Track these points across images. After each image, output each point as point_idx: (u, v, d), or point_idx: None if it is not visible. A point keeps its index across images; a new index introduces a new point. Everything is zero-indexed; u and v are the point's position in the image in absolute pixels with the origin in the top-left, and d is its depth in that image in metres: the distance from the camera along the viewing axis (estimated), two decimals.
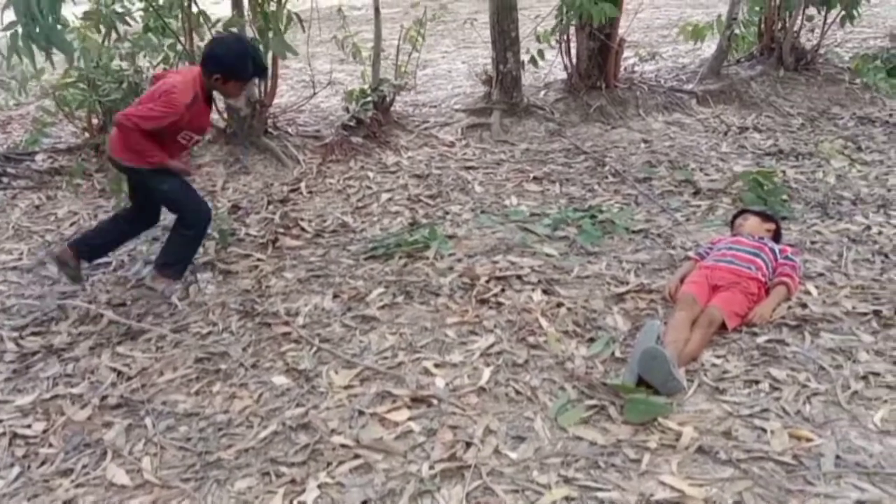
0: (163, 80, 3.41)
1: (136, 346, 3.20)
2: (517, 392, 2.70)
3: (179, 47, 5.21)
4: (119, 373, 3.01)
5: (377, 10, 5.52)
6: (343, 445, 2.45)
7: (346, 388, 2.77)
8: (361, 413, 2.61)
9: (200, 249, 4.02)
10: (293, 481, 2.32)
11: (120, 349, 3.19)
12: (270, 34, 4.82)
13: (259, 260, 3.89)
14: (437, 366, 2.88)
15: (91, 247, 3.71)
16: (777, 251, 3.37)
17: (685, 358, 2.80)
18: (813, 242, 3.78)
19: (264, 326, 3.27)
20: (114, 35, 5.28)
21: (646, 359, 2.60)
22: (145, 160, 3.39)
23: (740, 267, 3.22)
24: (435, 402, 2.65)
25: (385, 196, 4.69)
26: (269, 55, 4.88)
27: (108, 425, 2.70)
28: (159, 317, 3.45)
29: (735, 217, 3.75)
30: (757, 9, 6.65)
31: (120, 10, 5.21)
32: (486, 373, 2.81)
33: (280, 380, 2.86)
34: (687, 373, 2.76)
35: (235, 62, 3.34)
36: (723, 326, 3.00)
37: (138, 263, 3.96)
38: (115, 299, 3.61)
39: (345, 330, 3.18)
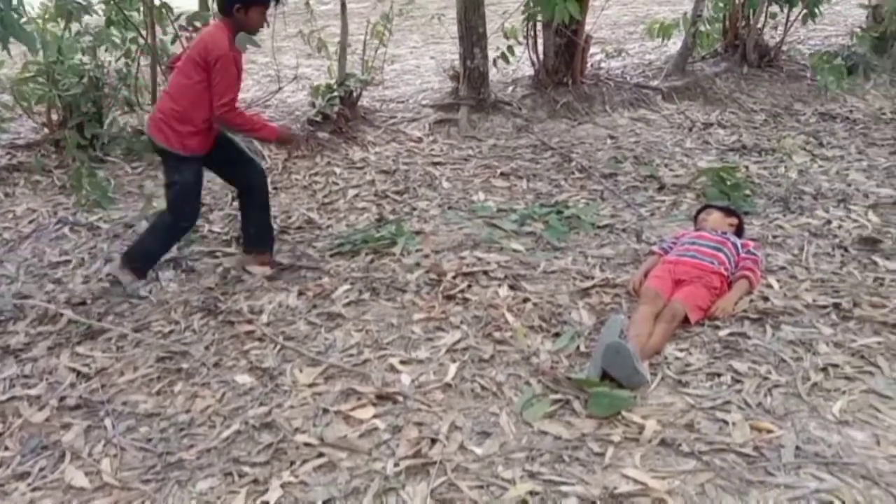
0: (186, 57, 3.41)
1: (95, 346, 3.14)
2: (483, 388, 2.70)
3: (141, 41, 5.13)
4: (78, 373, 2.95)
5: (343, 5, 5.48)
6: (307, 444, 2.43)
7: (311, 386, 2.74)
8: (326, 411, 2.59)
9: None
10: (256, 481, 2.29)
11: (79, 349, 3.12)
12: None
13: (223, 257, 3.84)
14: (402, 362, 2.87)
15: (251, 236, 3.74)
16: (739, 245, 3.41)
17: (649, 351, 2.82)
18: (775, 237, 3.84)
19: (227, 325, 3.23)
20: (74, 28, 5.18)
21: (609, 353, 2.62)
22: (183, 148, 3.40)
23: (703, 261, 3.25)
24: (400, 398, 2.64)
25: (352, 192, 4.66)
26: None
27: (66, 427, 2.64)
28: (120, 316, 3.39)
29: (698, 212, 3.78)
30: (721, 5, 6.72)
31: (81, 1, 5.11)
32: (452, 369, 2.80)
33: (243, 378, 2.83)
34: (650, 366, 2.78)
35: None
36: (686, 320, 3.02)
37: (98, 261, 3.89)
38: (74, 298, 3.53)
39: (310, 327, 3.16)
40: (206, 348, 3.07)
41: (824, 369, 2.71)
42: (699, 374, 2.73)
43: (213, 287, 3.55)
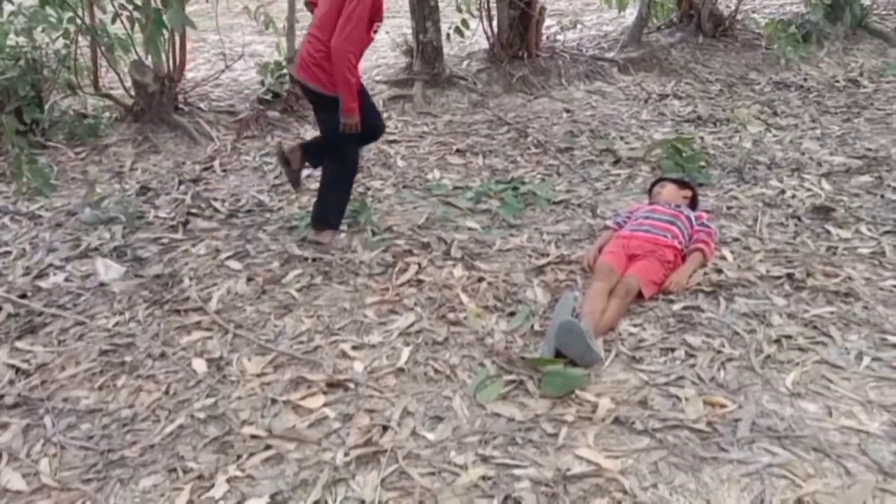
0: None
1: (36, 340, 3.02)
2: (436, 371, 2.65)
3: (80, 21, 4.91)
4: (17, 369, 2.83)
5: None
6: (254, 436, 2.36)
7: (259, 375, 2.66)
8: (274, 401, 2.52)
9: (107, 234, 3.85)
10: (201, 477, 2.22)
11: (19, 344, 3.00)
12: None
13: (169, 244, 3.72)
14: (354, 348, 2.80)
15: (317, 153, 3.71)
16: (693, 218, 3.39)
17: (602, 328, 2.79)
18: (729, 208, 3.83)
19: (174, 314, 3.12)
20: (7, 8, 4.94)
21: (562, 332, 2.58)
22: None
23: (657, 235, 3.23)
24: (351, 386, 2.58)
25: (304, 172, 4.53)
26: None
27: (3, 427, 2.53)
28: (62, 307, 3.27)
29: (653, 185, 3.76)
30: None
31: None
32: (405, 353, 2.75)
33: (189, 370, 2.74)
34: (604, 343, 2.75)
35: None
36: (640, 295, 3.00)
37: (40, 252, 3.74)
38: (14, 290, 3.39)
39: (259, 315, 3.07)
40: (152, 339, 2.96)
41: (777, 341, 2.71)
42: (653, 349, 2.71)
43: (160, 275, 3.44)
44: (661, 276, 3.10)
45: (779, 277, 3.14)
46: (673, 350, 2.69)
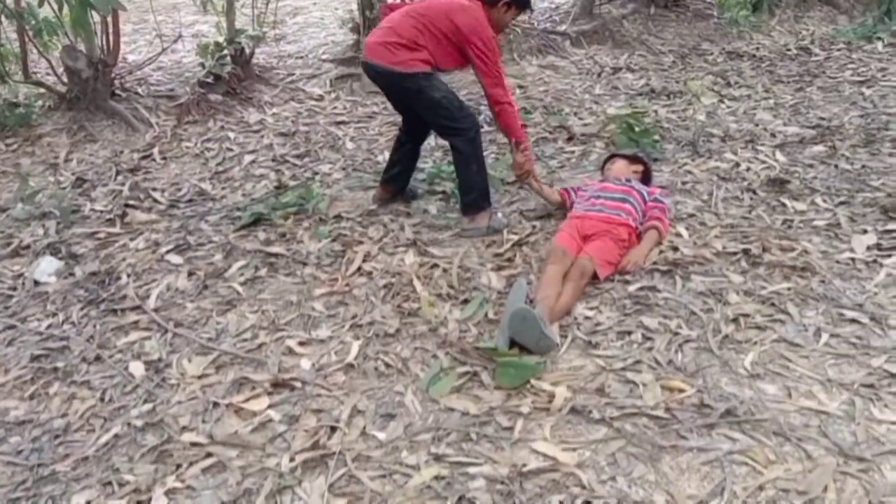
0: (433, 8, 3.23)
1: None
2: (387, 365, 2.54)
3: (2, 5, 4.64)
4: None
5: None
6: (194, 444, 2.23)
7: (200, 377, 2.53)
8: (216, 405, 2.39)
9: (40, 230, 3.65)
10: (137, 490, 2.09)
11: None
12: None
13: (106, 238, 3.54)
14: (301, 344, 2.68)
15: (392, 174, 3.69)
16: (646, 193, 3.32)
17: (558, 312, 2.71)
18: (684, 183, 3.77)
19: (111, 313, 2.97)
20: None
21: (516, 321, 2.49)
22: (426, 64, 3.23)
23: (609, 214, 3.14)
24: (298, 384, 2.46)
25: (248, 158, 4.38)
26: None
27: None
28: None
29: (605, 162, 3.68)
30: None
31: None
32: (355, 347, 2.63)
33: (126, 374, 2.59)
34: (560, 328, 2.67)
35: None
36: (595, 276, 2.92)
37: None
38: None
39: (200, 311, 2.93)
40: (87, 341, 2.81)
41: (735, 320, 2.65)
42: (609, 333, 2.64)
43: (96, 272, 3.27)
44: (617, 255, 3.02)
45: (735, 253, 3.08)
46: (629, 333, 2.61)
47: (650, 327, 2.63)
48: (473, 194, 3.40)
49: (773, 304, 2.74)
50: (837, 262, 3.01)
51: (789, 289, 2.82)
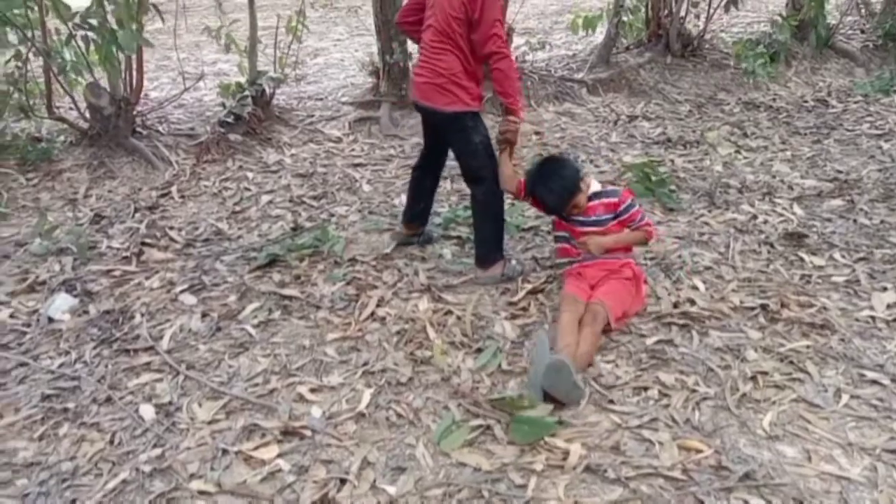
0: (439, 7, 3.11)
1: None
2: (399, 415, 2.51)
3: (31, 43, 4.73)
4: None
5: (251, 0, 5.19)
6: (202, 492, 2.20)
7: (210, 422, 2.50)
8: (225, 452, 2.36)
9: (57, 266, 3.67)
10: None
11: None
12: (132, 26, 4.43)
13: (122, 276, 3.55)
14: (312, 390, 2.66)
15: (416, 212, 3.69)
16: (611, 213, 3.12)
17: (581, 363, 2.67)
18: (701, 234, 3.75)
19: (123, 353, 2.96)
20: None
21: (550, 373, 2.46)
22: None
23: (605, 260, 3.11)
24: (308, 433, 2.43)
25: (265, 198, 4.40)
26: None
27: None
28: (5, 347, 3.08)
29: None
30: None
31: None
32: (367, 395, 2.61)
33: (136, 416, 2.57)
34: (587, 384, 2.63)
35: None
36: (608, 327, 2.88)
37: None
38: None
39: (213, 354, 2.91)
40: (99, 382, 2.79)
41: (753, 378, 2.61)
42: (626, 388, 2.60)
43: (110, 311, 3.27)
44: (628, 298, 2.99)
45: (752, 308, 3.05)
46: (646, 389, 2.58)
47: (667, 383, 2.59)
48: (488, 245, 3.39)
49: (791, 363, 2.70)
50: (857, 319, 2.97)
51: (808, 347, 2.79)
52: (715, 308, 3.05)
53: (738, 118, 5.63)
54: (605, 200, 3.13)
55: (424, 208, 3.72)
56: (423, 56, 3.25)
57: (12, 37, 4.60)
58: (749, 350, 2.77)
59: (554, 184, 3.08)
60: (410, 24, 3.40)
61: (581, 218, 3.15)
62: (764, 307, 3.05)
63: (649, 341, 2.85)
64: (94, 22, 4.62)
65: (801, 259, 3.46)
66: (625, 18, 6.46)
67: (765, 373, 2.64)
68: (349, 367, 2.81)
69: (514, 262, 3.46)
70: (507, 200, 4.24)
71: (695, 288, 3.22)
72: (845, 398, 2.50)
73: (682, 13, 6.56)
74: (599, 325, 2.86)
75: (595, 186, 3.18)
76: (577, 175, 3.10)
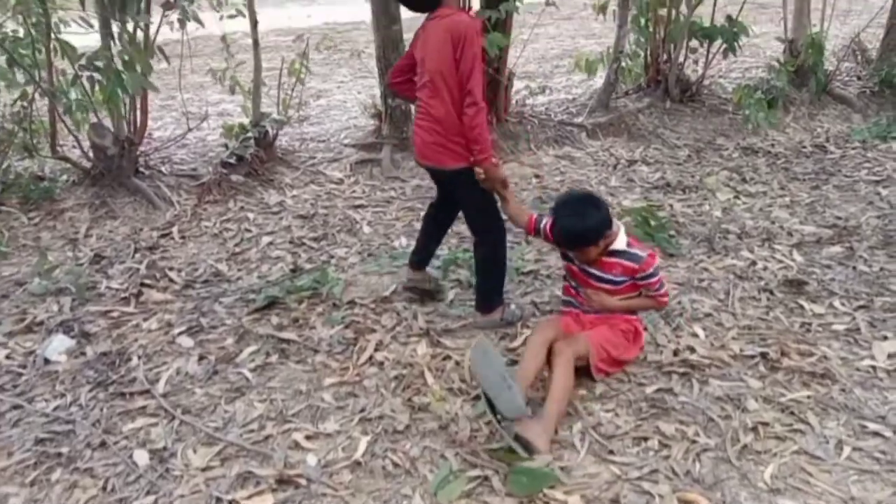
0: (429, 58, 3.02)
1: None
2: (395, 465, 2.48)
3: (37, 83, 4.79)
4: None
5: (255, 42, 5.26)
6: None
7: (205, 469, 2.47)
8: (219, 500, 2.33)
9: (55, 307, 3.66)
10: None
11: None
12: (138, 68, 4.49)
13: (120, 318, 3.54)
14: (308, 437, 2.63)
15: (423, 257, 3.61)
16: (628, 276, 2.94)
17: (553, 414, 2.55)
18: (700, 280, 3.75)
19: (119, 397, 2.93)
20: None
21: (477, 354, 2.52)
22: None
23: (608, 316, 3.01)
24: (304, 482, 2.40)
25: (265, 239, 4.41)
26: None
27: None
28: (1, 389, 3.06)
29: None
30: (642, 41, 6.74)
31: None
32: (363, 443, 2.58)
33: (130, 462, 2.54)
34: (580, 433, 2.60)
35: None
36: (587, 372, 2.82)
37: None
38: None
39: (209, 398, 2.89)
40: (93, 426, 2.77)
41: (754, 429, 2.59)
42: (625, 438, 2.57)
43: (108, 353, 3.25)
44: (619, 349, 2.90)
45: (753, 357, 3.04)
46: (646, 439, 2.55)
47: (667, 433, 2.57)
48: (488, 293, 3.38)
49: (792, 413, 2.68)
50: (858, 369, 2.96)
51: (809, 397, 2.77)
52: (715, 356, 3.04)
53: (737, 163, 5.66)
54: (626, 263, 2.92)
55: (433, 249, 3.65)
56: (421, 114, 3.19)
57: (19, 76, 4.66)
58: (750, 400, 2.75)
59: (589, 217, 2.86)
60: (402, 85, 3.34)
61: (596, 272, 2.99)
62: (764, 356, 3.03)
63: (649, 390, 2.83)
64: (99, 64, 4.68)
65: (801, 307, 3.45)
66: (624, 64, 6.54)
67: (766, 423, 2.62)
68: (346, 413, 2.78)
69: (513, 306, 3.44)
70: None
71: (695, 335, 3.21)
72: (847, 450, 2.47)
73: (681, 59, 6.65)
74: (571, 357, 2.69)
75: (621, 241, 2.95)
76: (610, 218, 2.94)
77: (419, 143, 3.21)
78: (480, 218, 3.28)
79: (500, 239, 3.31)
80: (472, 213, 3.32)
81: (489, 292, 3.38)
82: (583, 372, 2.82)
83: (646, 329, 3.16)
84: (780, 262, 3.93)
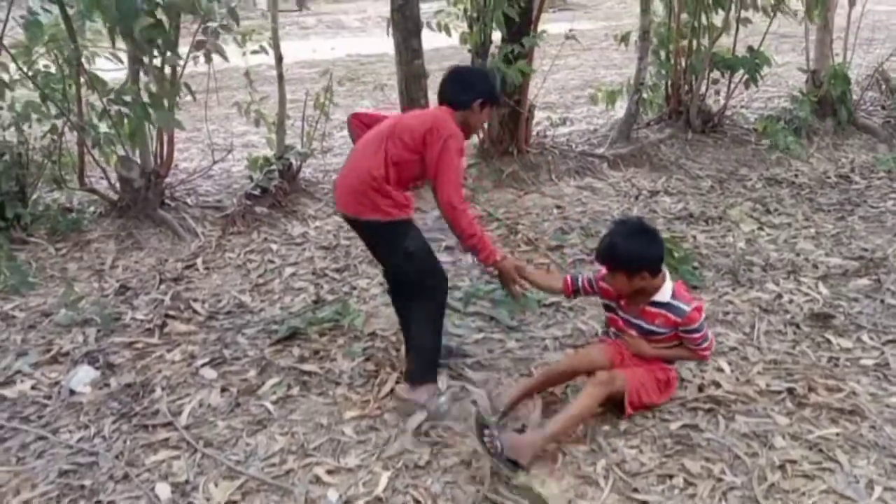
0: (399, 124, 2.92)
1: None
2: (416, 501, 2.47)
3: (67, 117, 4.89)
4: None
5: (280, 77, 5.35)
6: None
7: None
8: None
9: (80, 337, 3.70)
10: None
11: None
12: (165, 104, 4.58)
13: (144, 349, 3.57)
14: (329, 472, 2.62)
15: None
16: (670, 327, 2.86)
17: (563, 420, 2.62)
18: (725, 313, 3.71)
19: (142, 429, 2.95)
20: None
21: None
22: (402, 210, 2.90)
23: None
24: None
25: (288, 270, 4.43)
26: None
27: None
28: (26, 419, 3.09)
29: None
30: (663, 72, 6.75)
31: (4, 76, 4.87)
32: (384, 478, 2.57)
33: (152, 495, 2.55)
34: (604, 470, 2.57)
35: (493, 83, 3.10)
36: (621, 408, 2.79)
37: (9, 356, 3.57)
38: None
39: (231, 431, 2.89)
40: (116, 458, 2.78)
41: (781, 467, 2.54)
42: (650, 475, 2.54)
43: (131, 384, 3.28)
44: (652, 388, 2.89)
45: (779, 392, 3.00)
46: (671, 477, 2.52)
47: (692, 471, 2.53)
48: (421, 362, 3.06)
49: (821, 451, 2.63)
50: (888, 406, 2.90)
51: (838, 434, 2.72)
52: (741, 391, 3.00)
53: (761, 194, 5.63)
54: (669, 315, 2.83)
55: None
56: (352, 160, 3.02)
57: (51, 110, 4.77)
58: (777, 437, 2.70)
59: (647, 244, 2.78)
60: (359, 126, 3.20)
61: (637, 321, 2.91)
62: (791, 391, 2.99)
63: (674, 426, 2.80)
64: (127, 98, 4.77)
65: (828, 341, 3.40)
66: (645, 95, 6.55)
67: (793, 461, 2.57)
68: (367, 447, 2.78)
69: (443, 398, 2.98)
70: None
71: (720, 370, 3.17)
72: (878, 490, 2.42)
73: (703, 90, 6.65)
74: (606, 392, 2.70)
75: (666, 293, 2.85)
76: (662, 257, 2.84)
77: (342, 186, 3.02)
78: (419, 273, 3.00)
79: (434, 308, 3.06)
80: (406, 269, 3.01)
81: (420, 360, 3.07)
82: (608, 406, 2.80)
83: (681, 379, 3.09)
84: (806, 294, 3.89)
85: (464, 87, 2.99)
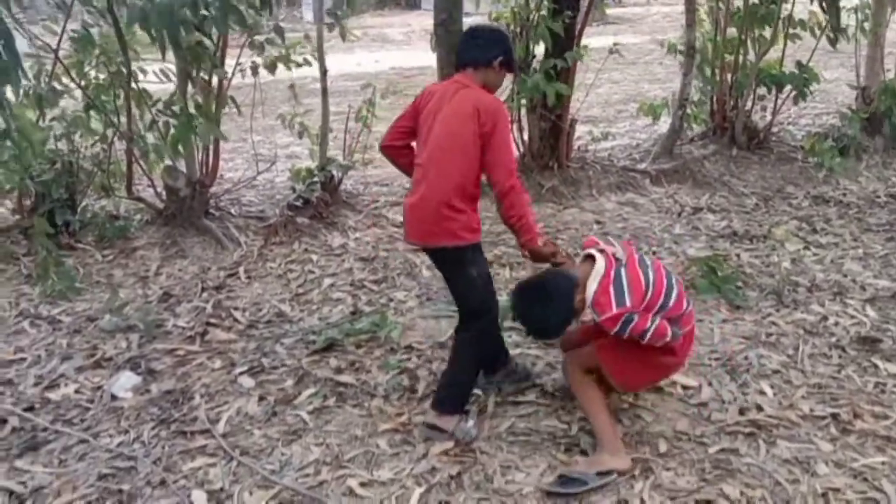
0: (442, 122, 2.77)
1: (37, 459, 2.91)
2: None
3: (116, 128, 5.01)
4: (11, 493, 2.71)
5: (324, 90, 5.41)
6: None
7: None
8: None
9: (124, 343, 3.77)
10: None
11: (19, 463, 2.89)
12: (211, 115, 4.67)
13: (185, 356, 3.63)
14: (363, 484, 2.63)
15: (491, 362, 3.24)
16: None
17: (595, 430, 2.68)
18: (768, 335, 3.63)
19: (180, 435, 3.00)
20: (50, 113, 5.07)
21: None
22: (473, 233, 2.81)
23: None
24: None
25: (327, 281, 4.47)
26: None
27: None
28: (69, 423, 3.16)
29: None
30: (709, 88, 6.67)
31: (58, 87, 5.02)
32: (416, 494, 2.57)
33: (188, 502, 2.58)
34: (640, 494, 2.53)
35: (511, 45, 2.99)
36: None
37: (55, 359, 3.66)
38: (22, 401, 3.31)
39: (267, 440, 2.92)
40: (154, 463, 2.83)
41: (824, 495, 2.48)
42: (688, 500, 2.50)
43: (171, 391, 3.33)
44: (643, 372, 2.82)
45: (823, 417, 2.92)
46: (710, 502, 2.47)
47: (731, 497, 2.48)
48: (452, 393, 2.96)
49: (865, 480, 2.56)
50: None
51: (884, 463, 2.64)
52: (783, 416, 2.93)
53: (807, 213, 5.51)
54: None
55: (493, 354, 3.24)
56: (417, 183, 2.88)
57: (99, 124, 4.90)
58: (819, 463, 2.64)
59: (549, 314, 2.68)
60: (398, 150, 3.05)
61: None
62: (835, 416, 2.91)
63: (713, 449, 2.74)
64: (175, 109, 4.88)
65: (875, 366, 3.31)
66: (689, 110, 6.47)
67: (837, 489, 2.50)
68: (401, 461, 2.78)
69: (470, 423, 2.92)
70: None
71: (762, 393, 3.11)
72: None
73: (749, 106, 6.55)
74: (577, 371, 2.78)
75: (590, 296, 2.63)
76: (571, 307, 2.65)
77: (412, 218, 2.91)
78: (480, 301, 2.91)
79: (482, 342, 2.98)
80: (467, 291, 2.93)
81: (452, 389, 2.97)
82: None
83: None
84: (853, 317, 3.79)
85: (488, 45, 2.92)
